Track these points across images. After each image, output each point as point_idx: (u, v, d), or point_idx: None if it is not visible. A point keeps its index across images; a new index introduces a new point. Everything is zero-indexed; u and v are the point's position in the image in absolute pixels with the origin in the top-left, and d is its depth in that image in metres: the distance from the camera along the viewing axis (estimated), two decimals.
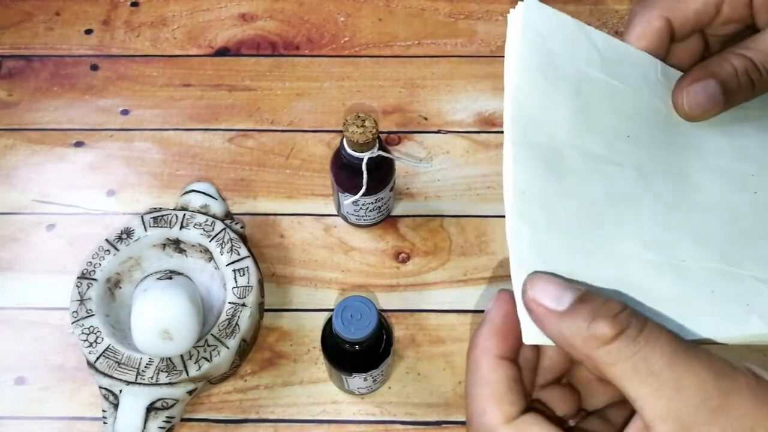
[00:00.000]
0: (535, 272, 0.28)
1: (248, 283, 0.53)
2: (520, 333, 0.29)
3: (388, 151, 0.55)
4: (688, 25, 0.35)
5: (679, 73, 0.36)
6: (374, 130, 0.51)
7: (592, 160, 0.34)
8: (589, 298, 0.27)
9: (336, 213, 0.61)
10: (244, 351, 0.53)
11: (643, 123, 0.35)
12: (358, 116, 0.51)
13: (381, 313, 0.48)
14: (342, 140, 0.53)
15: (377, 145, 0.52)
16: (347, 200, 0.55)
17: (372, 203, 0.57)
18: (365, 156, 0.52)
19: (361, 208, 0.57)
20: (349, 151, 0.52)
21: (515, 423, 0.28)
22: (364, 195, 0.54)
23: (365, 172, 0.52)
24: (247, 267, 0.53)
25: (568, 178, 0.33)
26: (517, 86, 0.33)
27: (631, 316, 0.26)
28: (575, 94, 0.34)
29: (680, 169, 0.35)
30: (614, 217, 0.32)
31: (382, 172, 0.55)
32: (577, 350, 0.26)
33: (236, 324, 0.52)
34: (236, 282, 0.53)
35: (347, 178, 0.54)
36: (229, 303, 0.52)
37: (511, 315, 0.29)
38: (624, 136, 0.35)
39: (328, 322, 0.50)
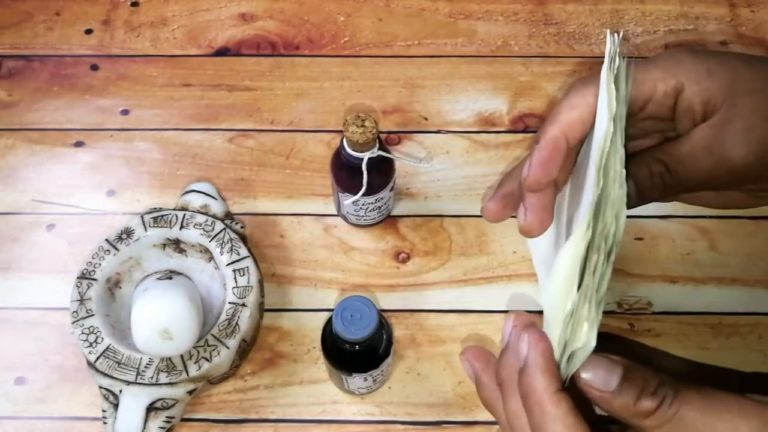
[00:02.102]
0: (590, 356, 0.32)
1: (248, 283, 0.53)
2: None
3: (388, 151, 0.55)
4: None
5: None
6: (374, 130, 0.51)
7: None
8: (632, 375, 0.31)
9: (336, 213, 0.61)
10: (244, 351, 0.53)
11: None
12: (358, 116, 0.51)
13: (381, 313, 0.48)
14: (342, 140, 0.53)
15: (377, 145, 0.52)
16: (347, 200, 0.55)
17: (372, 203, 0.57)
18: (365, 156, 0.52)
19: (361, 208, 0.57)
20: (349, 151, 0.52)
21: None
22: (364, 195, 0.54)
23: (365, 172, 0.52)
24: (247, 267, 0.53)
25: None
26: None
27: (667, 387, 0.31)
28: None
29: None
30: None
31: (382, 172, 0.55)
32: (626, 420, 0.32)
33: (236, 324, 0.52)
34: (236, 282, 0.53)
35: (347, 178, 0.54)
36: (229, 303, 0.52)
37: (548, 350, 0.33)
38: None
39: (328, 322, 0.50)
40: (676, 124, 0.38)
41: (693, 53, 0.37)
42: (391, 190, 0.57)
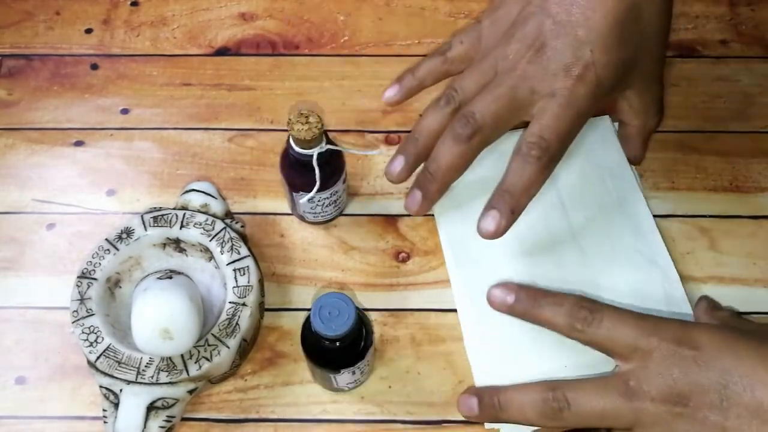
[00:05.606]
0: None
1: (248, 282, 0.53)
2: None
3: (335, 144, 0.55)
4: None
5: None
6: (320, 125, 0.51)
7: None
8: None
9: (291, 213, 0.61)
10: (244, 350, 0.53)
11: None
12: (301, 113, 0.51)
13: (354, 302, 0.47)
14: (288, 139, 0.53)
15: (324, 139, 0.52)
16: (303, 199, 0.55)
17: (327, 198, 0.57)
18: (314, 152, 0.52)
19: (317, 204, 0.57)
20: (297, 149, 0.52)
21: None
22: (318, 191, 0.54)
23: (317, 167, 0.52)
24: (248, 266, 0.53)
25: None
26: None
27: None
28: None
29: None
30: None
31: (332, 166, 0.55)
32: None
33: (237, 323, 0.52)
34: (236, 281, 0.53)
35: (298, 177, 0.54)
36: (230, 302, 0.52)
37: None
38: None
39: (306, 324, 0.49)
40: None
41: None
42: (343, 182, 0.57)
